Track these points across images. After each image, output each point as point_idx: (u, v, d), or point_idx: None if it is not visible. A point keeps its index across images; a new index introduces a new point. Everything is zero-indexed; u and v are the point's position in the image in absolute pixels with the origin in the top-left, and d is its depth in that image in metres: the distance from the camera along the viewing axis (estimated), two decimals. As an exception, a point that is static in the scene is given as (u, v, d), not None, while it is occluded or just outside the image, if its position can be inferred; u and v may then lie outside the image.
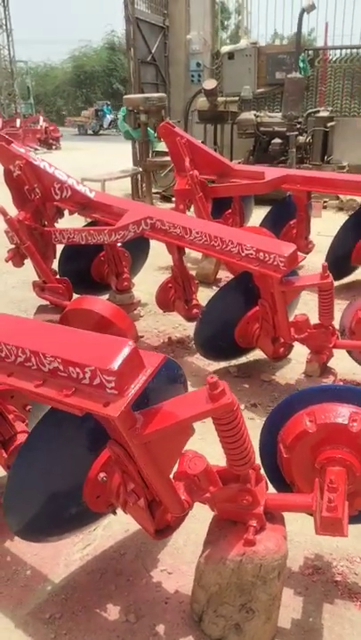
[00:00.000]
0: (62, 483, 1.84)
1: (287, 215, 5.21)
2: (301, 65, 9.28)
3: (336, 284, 3.32)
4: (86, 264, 4.38)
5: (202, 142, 8.46)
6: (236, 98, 8.88)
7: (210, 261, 5.24)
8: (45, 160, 3.88)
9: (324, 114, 8.71)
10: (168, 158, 8.61)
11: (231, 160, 7.55)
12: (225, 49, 9.87)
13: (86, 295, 3.57)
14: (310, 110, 8.90)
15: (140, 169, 8.88)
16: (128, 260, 4.32)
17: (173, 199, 6.00)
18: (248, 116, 8.77)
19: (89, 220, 4.41)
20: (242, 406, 3.18)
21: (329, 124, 8.59)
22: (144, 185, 9.11)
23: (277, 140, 8.62)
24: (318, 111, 8.80)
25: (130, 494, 1.71)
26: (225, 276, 5.47)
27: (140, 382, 1.39)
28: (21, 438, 2.22)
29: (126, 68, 9.66)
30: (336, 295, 3.16)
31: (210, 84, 8.43)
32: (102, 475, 1.82)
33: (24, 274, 4.50)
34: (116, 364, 1.36)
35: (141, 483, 1.67)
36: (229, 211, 5.57)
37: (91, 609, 2.02)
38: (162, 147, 8.84)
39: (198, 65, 10.31)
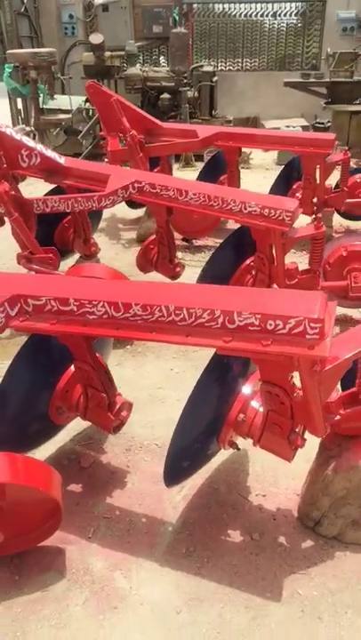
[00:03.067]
0: (212, 427, 2.05)
1: (218, 171, 5.51)
2: (176, 19, 9.42)
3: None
4: (49, 231, 4.33)
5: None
6: (122, 52, 8.80)
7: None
8: (9, 126, 3.75)
9: (208, 68, 8.99)
10: (61, 116, 8.42)
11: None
12: (98, 0, 9.61)
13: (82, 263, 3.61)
14: (195, 65, 9.12)
15: (30, 128, 8.51)
16: (91, 225, 4.36)
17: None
18: (135, 70, 8.77)
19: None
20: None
21: (214, 79, 8.90)
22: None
23: (166, 95, 8.76)
24: (202, 66, 9.05)
25: (273, 427, 1.98)
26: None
27: (332, 326, 1.65)
28: (119, 401, 2.36)
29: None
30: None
31: (97, 38, 8.23)
32: (242, 416, 2.06)
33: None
34: (320, 313, 1.60)
35: (290, 415, 1.94)
36: (158, 168, 5.71)
37: (216, 538, 2.29)
38: (53, 104, 8.56)
39: (71, 17, 9.96)
